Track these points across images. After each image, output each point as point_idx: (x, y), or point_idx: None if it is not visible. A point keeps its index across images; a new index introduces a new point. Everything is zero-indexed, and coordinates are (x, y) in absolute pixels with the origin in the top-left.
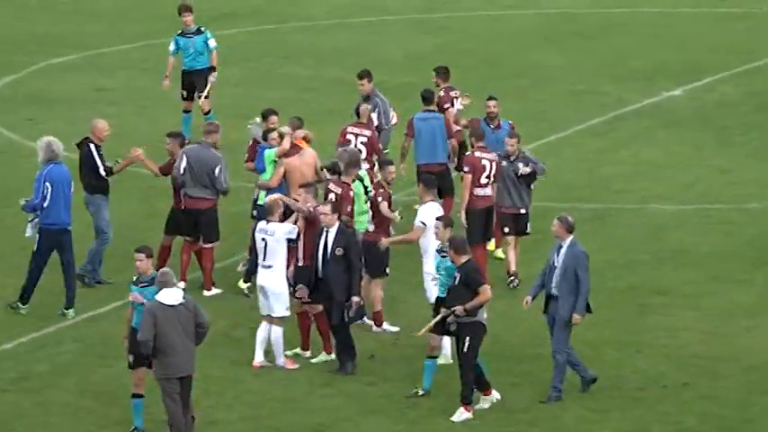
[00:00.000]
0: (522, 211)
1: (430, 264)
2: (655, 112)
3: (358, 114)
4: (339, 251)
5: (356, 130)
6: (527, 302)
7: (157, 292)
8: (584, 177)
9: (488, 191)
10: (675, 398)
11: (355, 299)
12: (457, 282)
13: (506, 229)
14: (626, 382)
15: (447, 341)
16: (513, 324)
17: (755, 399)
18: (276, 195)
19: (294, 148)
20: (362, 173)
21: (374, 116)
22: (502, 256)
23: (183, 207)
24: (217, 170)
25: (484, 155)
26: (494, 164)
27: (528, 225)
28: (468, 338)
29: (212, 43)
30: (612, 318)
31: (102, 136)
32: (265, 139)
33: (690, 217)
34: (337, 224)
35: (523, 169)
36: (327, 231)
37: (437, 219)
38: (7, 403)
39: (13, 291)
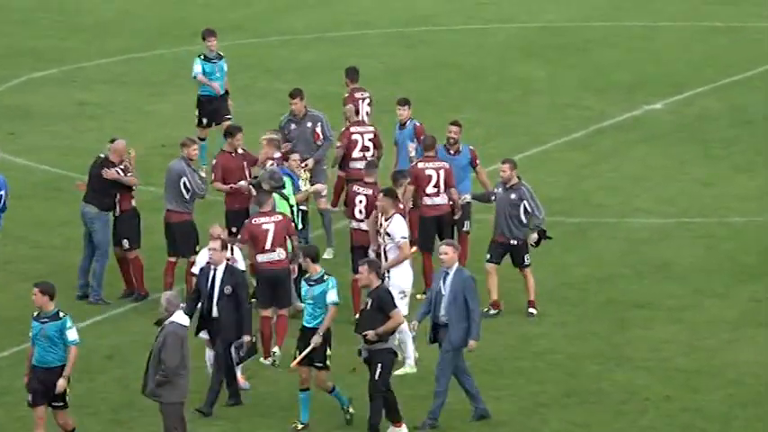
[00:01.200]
0: (513, 242)
1: (397, 278)
2: (635, 126)
3: (357, 113)
4: (228, 290)
5: (360, 129)
6: (413, 327)
7: (63, 328)
8: (565, 191)
9: (439, 200)
10: (657, 411)
11: (246, 338)
12: (369, 306)
13: (488, 256)
14: (607, 396)
15: (410, 348)
16: (494, 338)
17: (737, 412)
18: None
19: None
20: (288, 191)
21: (318, 129)
22: None
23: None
24: (182, 183)
25: (428, 164)
26: (441, 172)
27: (525, 257)
28: (379, 365)
29: (225, 67)
30: (594, 331)
31: (123, 156)
32: (286, 159)
33: (671, 230)
34: (225, 262)
35: (532, 238)
36: (215, 269)
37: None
38: None
39: None
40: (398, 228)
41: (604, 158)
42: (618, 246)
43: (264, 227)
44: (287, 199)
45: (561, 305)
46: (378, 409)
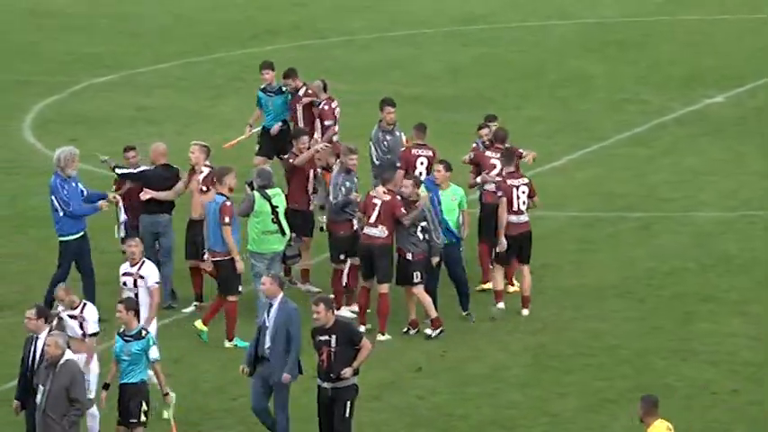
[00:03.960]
0: (408, 256)
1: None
2: (696, 120)
3: (325, 89)
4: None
5: (333, 104)
6: (242, 371)
7: None
8: (627, 186)
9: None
10: (725, 405)
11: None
12: (335, 343)
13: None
14: (675, 390)
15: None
16: (559, 334)
17: None
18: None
19: None
20: (275, 191)
21: (404, 136)
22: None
23: None
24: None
25: (492, 154)
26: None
27: (415, 275)
28: (348, 403)
29: (279, 103)
30: (659, 326)
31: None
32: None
33: (734, 223)
34: (46, 330)
35: (434, 260)
36: (37, 338)
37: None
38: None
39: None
40: (153, 271)
41: (666, 153)
42: (682, 240)
43: (375, 201)
44: (269, 199)
45: (627, 300)
46: None
